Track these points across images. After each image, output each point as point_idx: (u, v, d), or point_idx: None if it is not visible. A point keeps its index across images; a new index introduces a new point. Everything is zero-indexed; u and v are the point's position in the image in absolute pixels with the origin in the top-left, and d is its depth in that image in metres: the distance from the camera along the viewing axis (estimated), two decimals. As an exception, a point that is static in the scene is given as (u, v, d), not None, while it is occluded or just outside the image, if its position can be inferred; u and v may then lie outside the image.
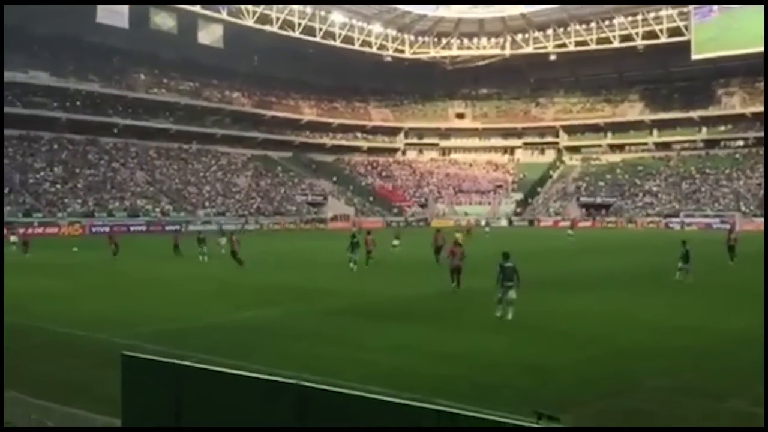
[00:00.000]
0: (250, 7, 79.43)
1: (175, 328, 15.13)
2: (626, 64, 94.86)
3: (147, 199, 68.42)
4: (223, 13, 78.15)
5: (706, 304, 18.95)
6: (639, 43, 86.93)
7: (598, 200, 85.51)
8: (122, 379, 8.13)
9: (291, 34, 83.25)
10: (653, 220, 76.22)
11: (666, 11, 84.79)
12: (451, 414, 6.22)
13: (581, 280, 24.72)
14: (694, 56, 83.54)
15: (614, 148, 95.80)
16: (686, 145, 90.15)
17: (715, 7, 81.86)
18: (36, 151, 68.12)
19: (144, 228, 59.86)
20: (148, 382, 7.92)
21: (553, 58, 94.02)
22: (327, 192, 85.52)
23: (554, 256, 36.24)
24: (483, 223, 72.07)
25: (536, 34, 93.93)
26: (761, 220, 65.22)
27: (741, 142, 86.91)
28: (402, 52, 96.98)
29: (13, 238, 37.69)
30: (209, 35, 79.81)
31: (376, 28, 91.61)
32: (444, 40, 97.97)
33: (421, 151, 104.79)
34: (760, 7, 68.77)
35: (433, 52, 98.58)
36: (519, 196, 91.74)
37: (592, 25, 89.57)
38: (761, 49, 72.02)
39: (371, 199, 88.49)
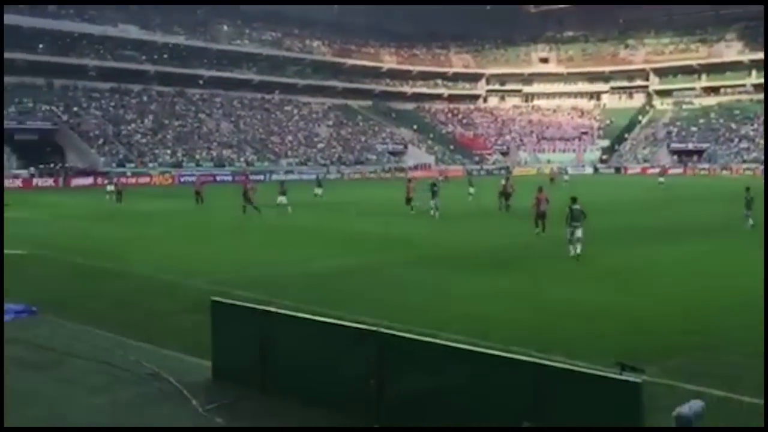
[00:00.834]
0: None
1: (263, 275, 15.56)
2: None
3: (232, 148, 70.11)
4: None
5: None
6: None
7: (690, 146, 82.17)
8: (212, 323, 8.49)
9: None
10: (749, 166, 72.40)
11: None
12: (537, 364, 6.18)
13: (675, 229, 23.99)
14: (800, -10, 77.69)
15: (708, 90, 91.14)
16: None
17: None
18: (127, 103, 70.72)
19: (230, 178, 61.49)
20: (236, 327, 8.24)
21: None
22: (407, 141, 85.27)
23: (643, 205, 35.11)
24: (560, 170, 68.27)
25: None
26: None
27: None
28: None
29: (109, 188, 39.28)
30: (290, -16, 79.79)
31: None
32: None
33: (503, 98, 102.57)
34: None
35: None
36: (605, 143, 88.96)
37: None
38: None
39: (452, 147, 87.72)
